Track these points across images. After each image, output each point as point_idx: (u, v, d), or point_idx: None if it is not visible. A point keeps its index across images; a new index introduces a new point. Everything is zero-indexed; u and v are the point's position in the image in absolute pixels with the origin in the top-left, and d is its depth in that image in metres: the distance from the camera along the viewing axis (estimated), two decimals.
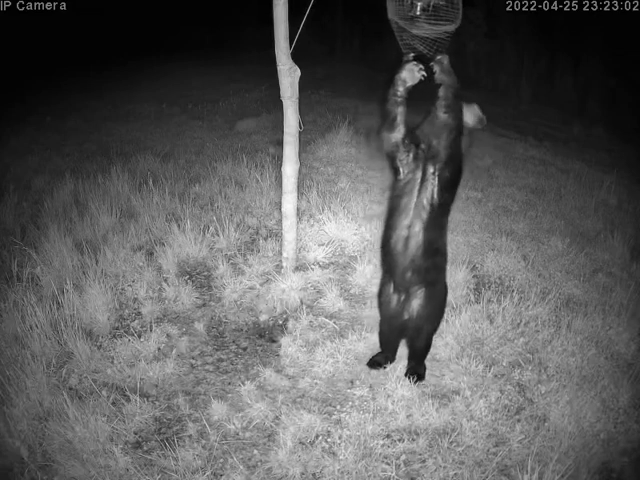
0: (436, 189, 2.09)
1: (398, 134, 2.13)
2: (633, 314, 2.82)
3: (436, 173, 2.08)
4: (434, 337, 2.43)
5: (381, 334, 2.46)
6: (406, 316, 2.26)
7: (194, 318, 2.82)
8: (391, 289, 2.27)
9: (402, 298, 2.24)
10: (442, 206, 2.13)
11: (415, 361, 2.38)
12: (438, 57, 2.03)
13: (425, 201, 2.10)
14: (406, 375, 2.35)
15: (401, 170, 2.15)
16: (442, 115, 2.03)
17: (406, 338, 2.39)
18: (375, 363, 2.45)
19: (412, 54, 2.09)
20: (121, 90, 7.80)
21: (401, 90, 2.09)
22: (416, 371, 2.36)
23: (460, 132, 2.08)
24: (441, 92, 2.03)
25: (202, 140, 5.50)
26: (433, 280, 2.23)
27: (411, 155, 2.13)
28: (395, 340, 2.44)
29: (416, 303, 2.23)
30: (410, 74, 2.07)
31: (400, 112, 2.11)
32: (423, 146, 2.10)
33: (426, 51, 2.06)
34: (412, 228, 2.13)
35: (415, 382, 2.32)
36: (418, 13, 2.01)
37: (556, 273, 3.28)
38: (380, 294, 2.35)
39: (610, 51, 7.61)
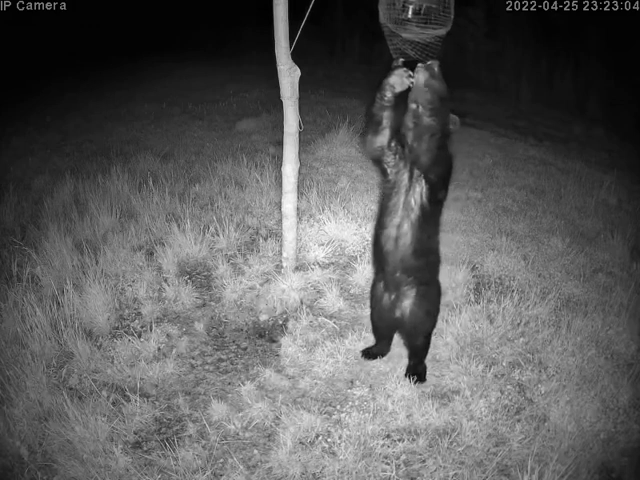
0: (424, 189, 2.08)
1: (383, 138, 2.12)
2: (633, 314, 2.82)
3: (421, 175, 2.08)
4: (433, 337, 2.43)
5: (373, 328, 2.48)
6: (398, 314, 2.26)
7: (194, 318, 2.82)
8: (382, 287, 2.28)
9: (392, 297, 2.25)
10: (432, 205, 2.12)
11: (414, 361, 2.39)
12: (429, 62, 2.01)
13: (413, 201, 2.10)
14: (406, 375, 2.35)
15: (388, 171, 2.15)
16: (426, 119, 2.01)
17: (402, 337, 2.40)
18: (369, 354, 2.49)
19: (402, 59, 2.07)
20: (121, 90, 7.79)
21: (389, 95, 2.07)
22: (416, 371, 2.36)
23: (445, 135, 2.05)
24: (428, 96, 2.00)
25: (202, 140, 5.50)
26: (424, 280, 2.23)
27: (397, 156, 2.13)
28: (388, 334, 2.46)
29: (407, 302, 2.23)
30: (399, 80, 2.04)
31: (386, 116, 2.10)
32: (407, 147, 2.09)
33: (417, 56, 2.04)
34: (401, 228, 2.13)
35: (415, 382, 2.32)
36: (410, 16, 2.00)
37: (556, 273, 3.28)
38: (372, 291, 2.37)
39: (610, 51, 7.60)
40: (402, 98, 2.07)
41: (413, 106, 2.03)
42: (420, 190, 2.09)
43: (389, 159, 2.14)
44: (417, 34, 2.00)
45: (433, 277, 2.28)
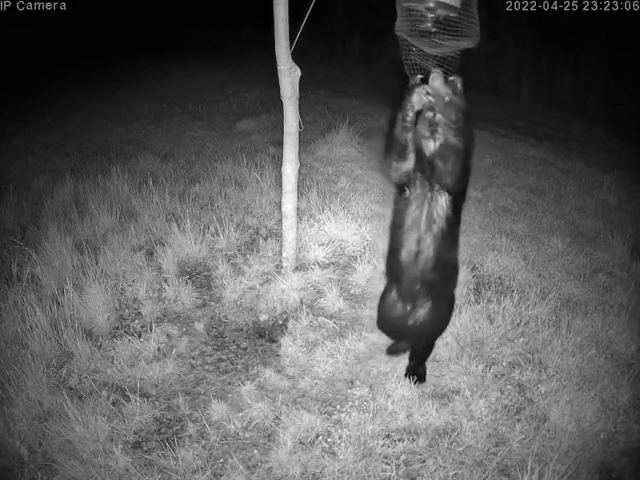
0: (446, 201, 2.01)
1: (409, 162, 2.02)
2: (633, 314, 2.82)
3: (443, 189, 2.01)
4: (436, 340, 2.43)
5: (386, 333, 2.42)
6: (410, 323, 2.23)
7: (194, 318, 2.82)
8: (396, 297, 2.22)
9: (408, 308, 2.20)
10: (454, 214, 2.05)
11: (415, 362, 2.38)
12: (451, 78, 1.91)
13: (436, 214, 2.02)
14: (406, 375, 2.35)
15: (408, 190, 2.06)
16: (452, 139, 1.91)
17: (407, 340, 2.38)
18: (395, 351, 2.42)
19: (420, 76, 1.96)
20: (121, 90, 7.79)
21: (410, 115, 1.96)
22: (416, 371, 2.36)
23: (468, 154, 1.96)
24: (452, 116, 1.89)
25: (202, 140, 5.49)
26: (442, 292, 2.19)
27: (417, 171, 2.04)
28: (403, 334, 2.42)
29: (422, 312, 2.18)
30: (418, 98, 1.92)
31: (410, 139, 1.99)
32: (425, 159, 1.99)
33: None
34: (422, 242, 2.05)
35: (415, 382, 2.32)
36: (429, 27, 1.86)
37: (556, 273, 3.28)
38: (384, 299, 2.29)
39: (610, 51, 7.60)
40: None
41: (429, 114, 1.92)
42: (442, 202, 2.01)
43: (411, 181, 2.05)
44: (437, 47, 1.87)
45: (450, 289, 2.23)
